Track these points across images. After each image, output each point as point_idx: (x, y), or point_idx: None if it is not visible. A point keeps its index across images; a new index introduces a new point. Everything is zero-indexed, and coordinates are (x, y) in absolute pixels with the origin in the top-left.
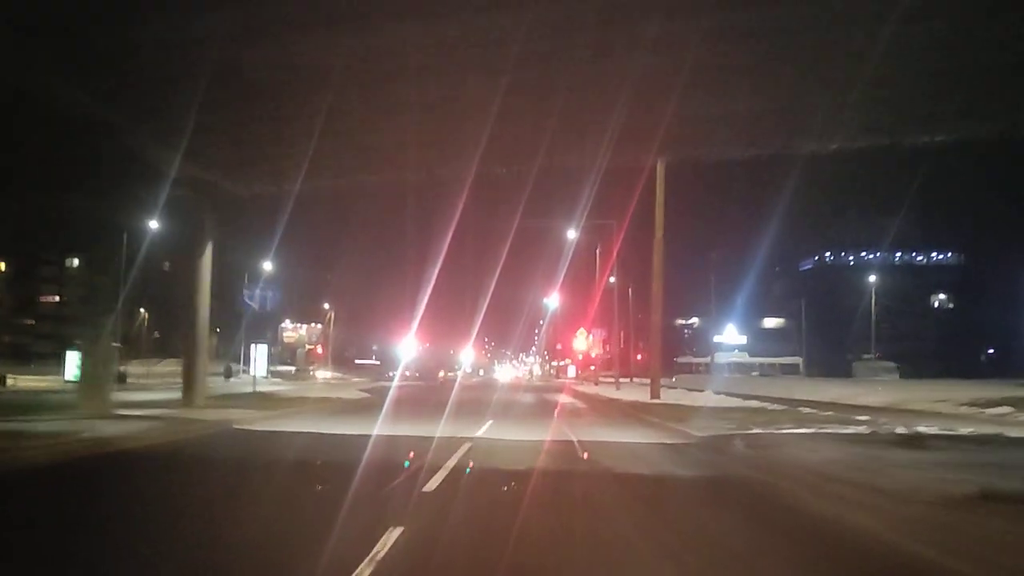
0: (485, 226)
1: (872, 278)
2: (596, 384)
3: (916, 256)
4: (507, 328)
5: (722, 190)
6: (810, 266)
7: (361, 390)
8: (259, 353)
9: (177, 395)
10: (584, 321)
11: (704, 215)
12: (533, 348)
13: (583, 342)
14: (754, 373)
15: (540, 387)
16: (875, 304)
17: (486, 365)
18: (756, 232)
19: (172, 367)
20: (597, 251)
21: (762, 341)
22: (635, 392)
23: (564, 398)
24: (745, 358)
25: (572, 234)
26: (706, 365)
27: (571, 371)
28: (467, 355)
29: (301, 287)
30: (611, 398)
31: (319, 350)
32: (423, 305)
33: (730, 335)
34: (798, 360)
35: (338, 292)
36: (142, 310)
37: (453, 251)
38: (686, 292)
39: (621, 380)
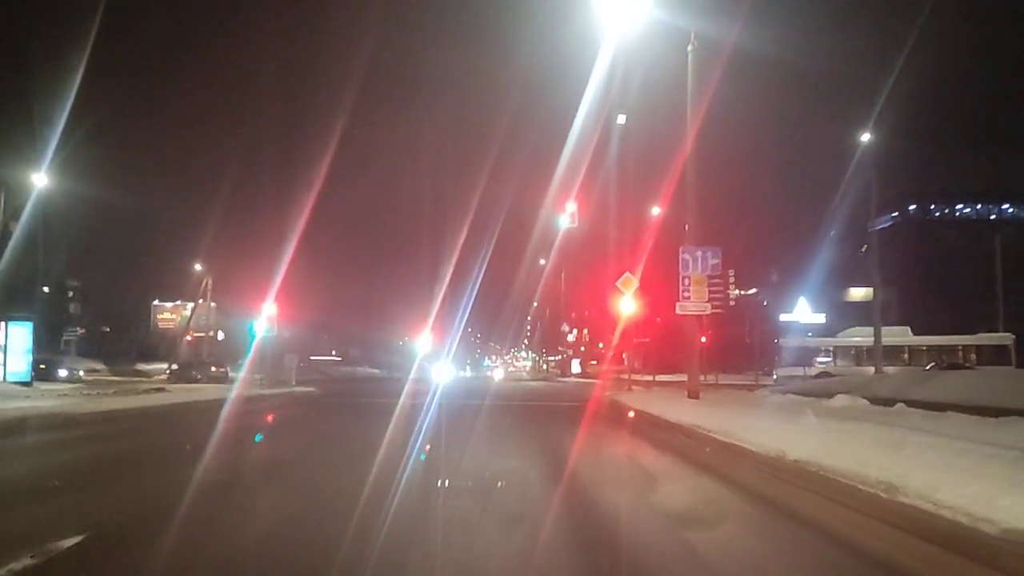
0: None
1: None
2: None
3: None
4: (497, 318)
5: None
6: (888, 224)
7: None
8: (14, 339)
9: None
10: (629, 266)
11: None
12: (525, 341)
13: (631, 301)
14: (929, 365)
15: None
16: None
17: (471, 360)
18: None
19: None
20: (689, 49)
21: (847, 319)
22: None
23: None
24: (907, 336)
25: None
26: (827, 350)
27: (575, 366)
28: (424, 346)
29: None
30: None
31: (189, 338)
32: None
33: (802, 311)
34: (1007, 338)
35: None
36: None
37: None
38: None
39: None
